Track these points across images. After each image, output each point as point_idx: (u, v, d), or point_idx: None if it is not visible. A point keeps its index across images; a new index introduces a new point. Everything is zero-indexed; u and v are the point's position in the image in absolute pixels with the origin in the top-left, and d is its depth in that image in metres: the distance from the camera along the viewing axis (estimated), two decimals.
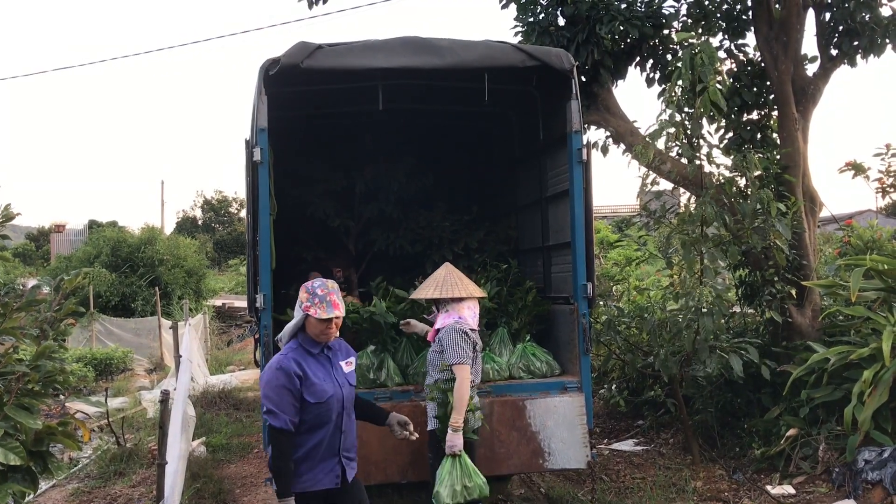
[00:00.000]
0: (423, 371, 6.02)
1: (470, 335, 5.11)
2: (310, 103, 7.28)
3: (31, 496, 3.27)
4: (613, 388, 9.32)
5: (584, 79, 7.61)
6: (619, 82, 8.24)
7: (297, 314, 3.80)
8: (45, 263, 35.20)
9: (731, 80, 8.00)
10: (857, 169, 7.59)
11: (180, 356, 8.77)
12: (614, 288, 10.42)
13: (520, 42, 7.72)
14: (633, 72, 8.26)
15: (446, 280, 5.33)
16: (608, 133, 8.06)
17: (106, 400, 9.71)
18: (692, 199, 7.10)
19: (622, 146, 8.08)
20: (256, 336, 6.01)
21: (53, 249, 38.83)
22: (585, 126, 6.53)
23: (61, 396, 8.19)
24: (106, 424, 9.24)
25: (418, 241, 8.24)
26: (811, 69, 7.94)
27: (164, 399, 5.32)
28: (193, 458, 7.73)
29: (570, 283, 6.21)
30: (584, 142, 5.98)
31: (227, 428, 9.91)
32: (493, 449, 5.65)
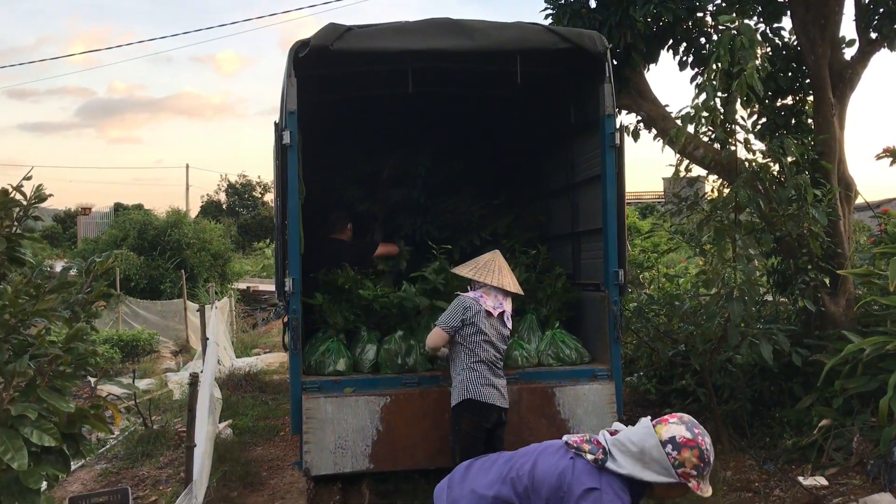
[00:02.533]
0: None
1: (469, 307, 5.19)
2: (339, 86, 7.24)
3: (65, 477, 3.27)
4: (642, 375, 9.23)
5: (615, 62, 7.48)
6: (651, 66, 8.11)
7: (657, 465, 2.89)
8: (72, 245, 35.59)
9: (766, 64, 7.83)
10: None
11: (207, 339, 8.81)
12: (641, 275, 10.31)
13: (551, 24, 7.61)
14: (665, 55, 8.12)
15: (486, 265, 5.36)
16: (639, 117, 7.94)
17: (133, 382, 9.79)
18: (724, 185, 6.97)
19: (653, 131, 7.96)
20: (284, 320, 6.00)
21: (80, 232, 39.28)
22: (617, 110, 6.42)
23: (91, 379, 8.25)
24: (133, 406, 9.30)
25: (445, 226, 8.17)
26: (849, 53, 7.76)
27: (193, 382, 5.33)
28: (220, 440, 7.76)
29: (600, 270, 6.14)
30: (617, 126, 5.90)
31: (254, 410, 9.93)
32: (522, 436, 5.60)
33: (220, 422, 8.29)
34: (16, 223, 3.22)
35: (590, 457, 2.93)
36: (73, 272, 4.39)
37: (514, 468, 3.11)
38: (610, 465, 2.91)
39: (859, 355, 6.28)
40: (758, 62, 5.87)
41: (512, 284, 5.35)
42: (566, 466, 2.96)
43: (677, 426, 2.92)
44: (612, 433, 3.07)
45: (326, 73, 6.46)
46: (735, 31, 6.00)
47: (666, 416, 3.00)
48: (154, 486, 7.09)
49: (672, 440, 2.88)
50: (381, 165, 8.24)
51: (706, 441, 2.93)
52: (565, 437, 3.09)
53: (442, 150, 8.45)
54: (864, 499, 5.48)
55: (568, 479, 2.91)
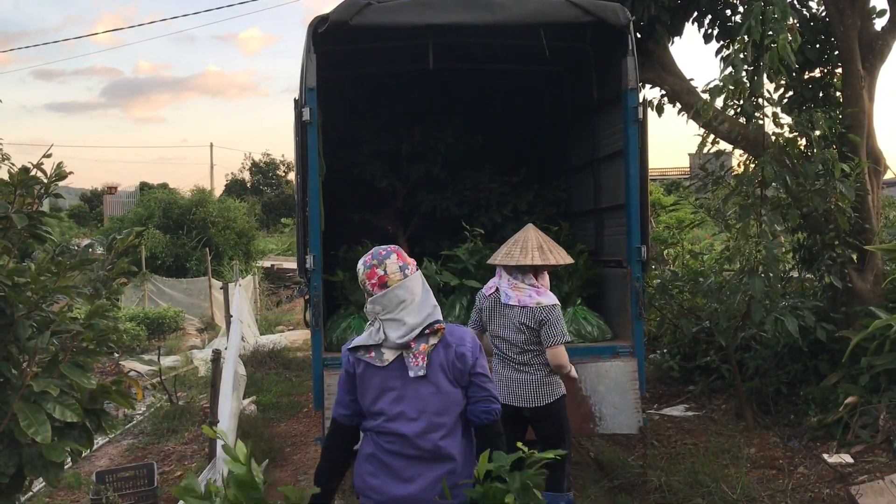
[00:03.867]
0: None
1: (477, 305, 4.86)
2: (359, 62, 7.20)
3: (87, 452, 3.30)
4: (665, 352, 9.18)
5: (639, 35, 7.36)
6: (676, 39, 7.98)
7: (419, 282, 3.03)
8: (99, 224, 36.00)
9: (797, 35, 7.68)
10: None
11: (231, 316, 8.87)
12: (666, 252, 10.23)
13: None
14: (690, 28, 7.98)
15: (510, 243, 4.85)
16: (663, 91, 7.82)
17: (158, 358, 9.89)
18: (750, 160, 6.87)
19: (677, 105, 7.84)
20: (306, 297, 6.02)
21: (106, 211, 39.65)
22: (640, 84, 6.33)
23: (115, 355, 8.36)
24: (159, 382, 9.41)
25: (466, 202, 8.15)
26: (879, 23, 7.57)
27: (216, 358, 5.37)
28: (244, 416, 7.84)
29: (623, 246, 6.09)
30: (640, 100, 5.82)
31: (277, 387, 10.03)
32: None
33: (244, 398, 8.37)
34: (37, 200, 3.23)
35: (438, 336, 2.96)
36: (99, 250, 4.41)
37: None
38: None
39: (886, 332, 6.19)
40: (789, 36, 5.74)
41: (520, 256, 4.67)
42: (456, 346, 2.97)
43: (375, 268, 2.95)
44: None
45: (346, 49, 6.42)
46: (765, 3, 5.87)
47: (373, 277, 2.95)
48: (179, 461, 7.19)
49: (403, 265, 2.96)
50: (402, 141, 8.21)
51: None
52: (414, 371, 2.92)
53: (463, 125, 8.40)
54: (891, 476, 5.42)
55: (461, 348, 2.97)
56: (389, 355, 2.92)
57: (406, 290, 2.92)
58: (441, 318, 2.97)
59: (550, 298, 4.67)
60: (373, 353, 2.93)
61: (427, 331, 2.91)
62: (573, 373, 4.78)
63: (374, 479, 2.94)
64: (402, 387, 2.92)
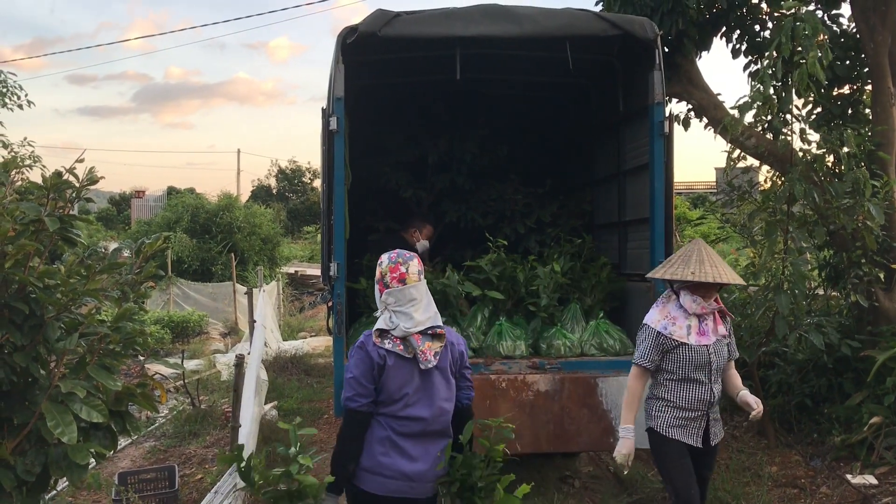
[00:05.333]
0: (492, 344, 5.98)
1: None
2: (386, 72, 7.24)
3: (111, 454, 3.34)
4: None
5: (666, 49, 7.37)
6: (703, 54, 7.97)
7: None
8: (126, 227, 36.38)
9: (828, 52, 7.64)
10: None
11: (254, 321, 8.94)
12: None
13: (601, 11, 7.52)
14: (718, 43, 7.98)
15: (683, 258, 4.27)
16: (690, 106, 7.80)
17: (182, 362, 9.98)
18: (778, 176, 6.83)
19: (704, 120, 7.82)
20: (329, 304, 6.06)
21: (134, 214, 40.13)
22: (667, 98, 6.32)
23: (140, 357, 8.44)
24: (182, 386, 9.49)
25: (490, 213, 8.14)
26: None
27: (239, 363, 5.42)
28: (265, 421, 7.88)
29: (646, 260, 6.06)
30: (667, 114, 5.81)
31: (298, 393, 10.07)
32: (563, 426, 5.59)
33: (265, 403, 8.42)
34: (69, 204, 3.29)
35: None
36: (126, 253, 4.47)
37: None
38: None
39: None
40: (819, 52, 5.70)
41: (701, 271, 4.12)
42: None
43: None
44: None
45: (374, 59, 6.47)
46: (795, 18, 5.85)
47: (395, 271, 3.44)
48: (200, 464, 7.24)
49: (420, 271, 3.50)
50: (428, 151, 8.24)
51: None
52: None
53: (488, 136, 8.41)
54: None
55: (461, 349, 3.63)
56: (411, 350, 3.38)
57: (418, 290, 3.43)
58: (441, 324, 3.48)
59: (647, 316, 4.38)
60: (402, 346, 3.35)
61: (430, 332, 3.41)
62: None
63: (386, 458, 3.39)
64: (420, 377, 3.41)
